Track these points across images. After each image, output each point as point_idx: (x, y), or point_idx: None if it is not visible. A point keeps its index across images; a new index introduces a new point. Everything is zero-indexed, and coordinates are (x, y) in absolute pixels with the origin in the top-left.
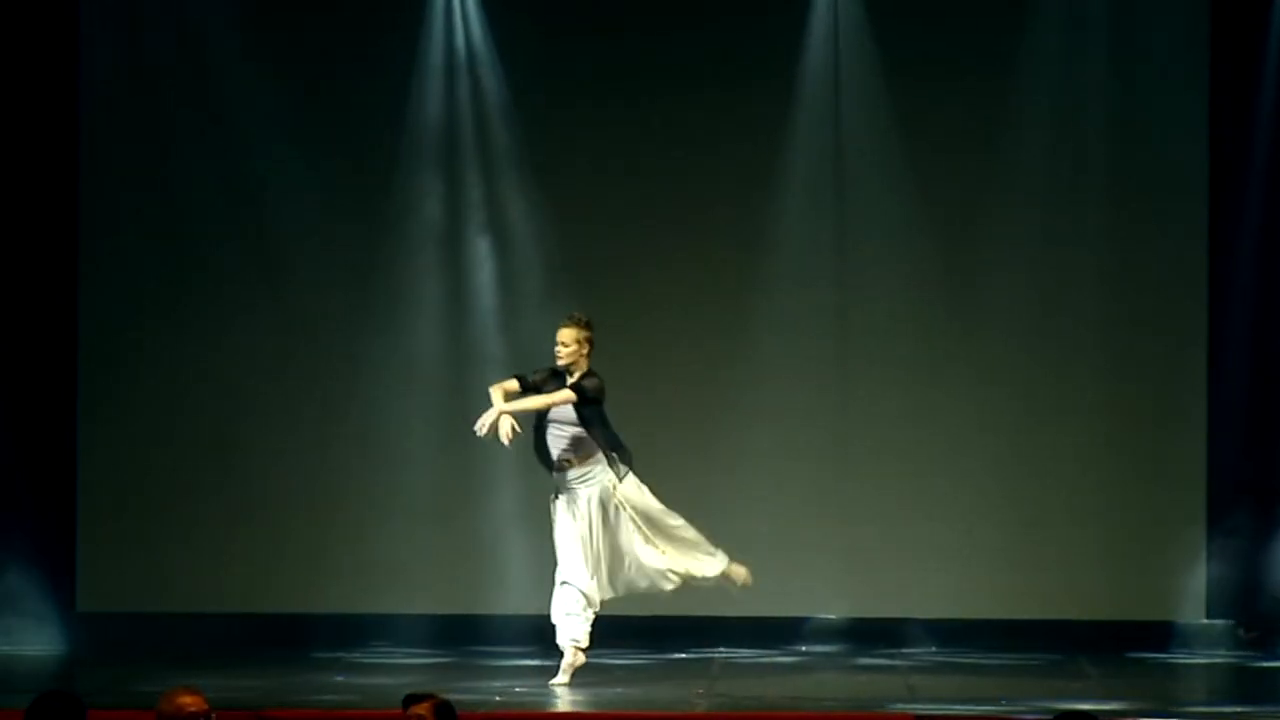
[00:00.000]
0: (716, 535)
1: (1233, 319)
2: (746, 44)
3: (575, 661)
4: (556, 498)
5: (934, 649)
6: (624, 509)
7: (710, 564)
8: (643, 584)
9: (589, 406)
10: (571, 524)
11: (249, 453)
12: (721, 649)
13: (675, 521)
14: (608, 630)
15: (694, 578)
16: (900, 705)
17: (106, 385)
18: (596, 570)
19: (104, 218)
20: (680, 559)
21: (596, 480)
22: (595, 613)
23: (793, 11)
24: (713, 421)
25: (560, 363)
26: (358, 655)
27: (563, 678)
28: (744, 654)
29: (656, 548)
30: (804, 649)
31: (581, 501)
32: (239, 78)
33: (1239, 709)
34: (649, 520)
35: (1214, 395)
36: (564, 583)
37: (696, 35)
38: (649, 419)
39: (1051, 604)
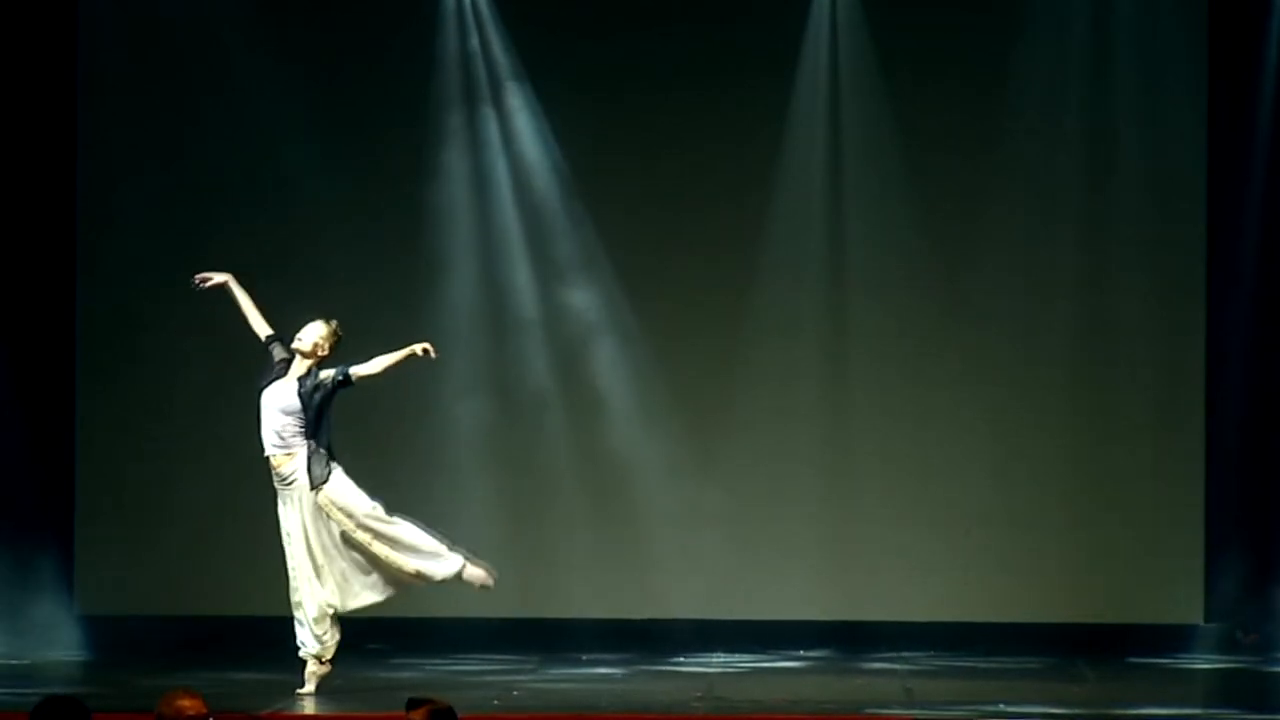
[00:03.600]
0: (715, 537)
1: (1232, 321)
2: (743, 42)
3: (316, 670)
4: (278, 501)
5: (932, 652)
6: (331, 512)
7: (443, 565)
8: (380, 589)
9: (320, 391)
10: (296, 533)
11: (249, 455)
12: (719, 653)
13: (391, 522)
14: (607, 633)
15: (427, 578)
16: (898, 709)
17: (105, 388)
18: (325, 578)
19: (102, 214)
20: (406, 559)
21: (300, 483)
22: (332, 622)
23: (792, 9)
24: (710, 424)
25: (294, 346)
26: (358, 657)
27: (309, 686)
28: (742, 658)
29: (378, 550)
30: (802, 653)
31: (295, 507)
32: (247, 59)
33: (1237, 713)
34: (361, 524)
35: (1212, 398)
36: (295, 593)
37: (692, 33)
38: (646, 421)
39: (1050, 607)
